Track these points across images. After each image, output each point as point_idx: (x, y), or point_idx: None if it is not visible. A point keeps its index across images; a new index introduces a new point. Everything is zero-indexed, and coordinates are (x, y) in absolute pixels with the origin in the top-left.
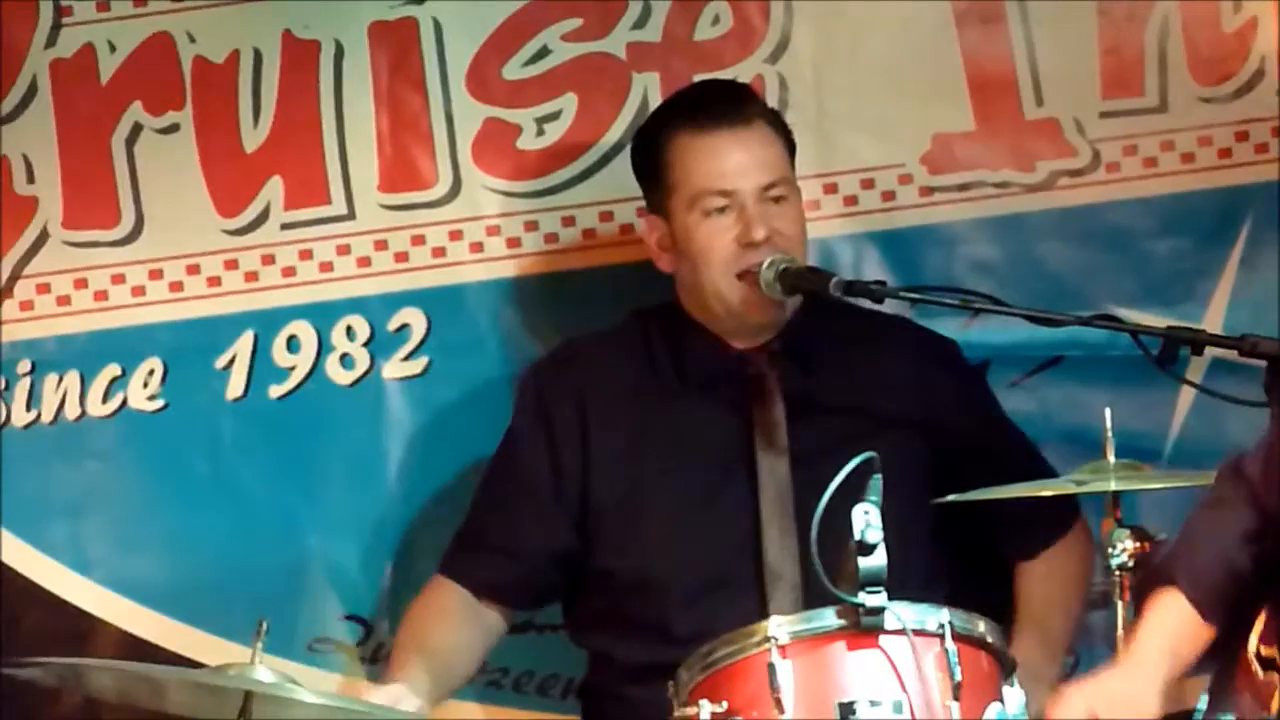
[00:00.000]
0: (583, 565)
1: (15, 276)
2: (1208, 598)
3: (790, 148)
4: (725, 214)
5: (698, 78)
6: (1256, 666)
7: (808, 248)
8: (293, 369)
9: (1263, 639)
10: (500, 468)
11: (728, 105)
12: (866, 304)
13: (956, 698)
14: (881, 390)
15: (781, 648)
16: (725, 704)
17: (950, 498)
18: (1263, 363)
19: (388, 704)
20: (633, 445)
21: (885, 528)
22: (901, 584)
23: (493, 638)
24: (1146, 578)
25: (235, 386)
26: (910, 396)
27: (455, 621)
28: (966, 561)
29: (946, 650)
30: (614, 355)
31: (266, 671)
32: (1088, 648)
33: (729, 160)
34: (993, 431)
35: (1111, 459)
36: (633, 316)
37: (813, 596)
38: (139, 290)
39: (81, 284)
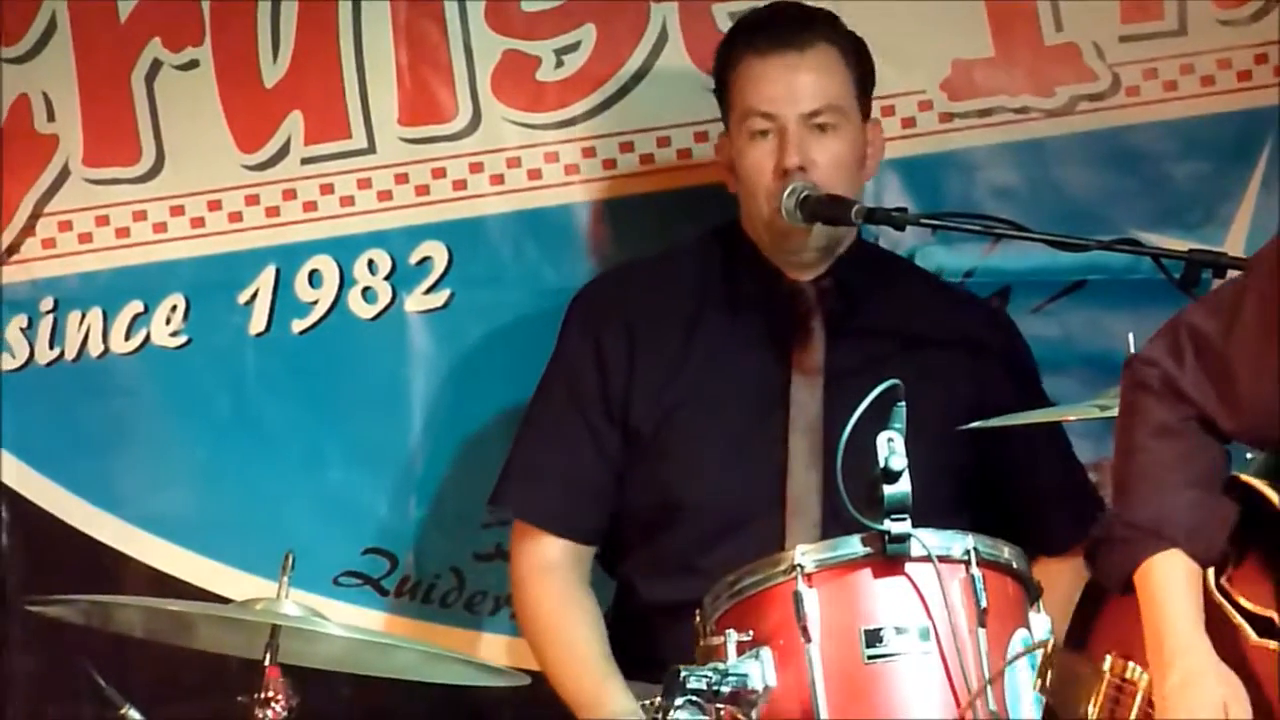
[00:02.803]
0: (620, 495)
1: (37, 214)
2: (1209, 551)
3: (862, 81)
4: (768, 138)
5: (716, 7)
6: (1242, 621)
7: (860, 179)
8: (315, 303)
9: (1245, 590)
10: (555, 394)
11: (787, 29)
12: (923, 244)
13: (982, 624)
14: (926, 337)
15: (807, 576)
16: (751, 633)
17: (975, 424)
18: None
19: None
20: (674, 371)
21: (914, 459)
22: (926, 515)
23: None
24: (1116, 533)
25: (258, 322)
26: (958, 351)
27: (590, 604)
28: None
29: (972, 576)
30: (666, 279)
31: (293, 606)
32: None
33: (776, 84)
34: (1031, 397)
35: None
36: (698, 238)
37: (834, 530)
38: (160, 227)
39: (103, 221)
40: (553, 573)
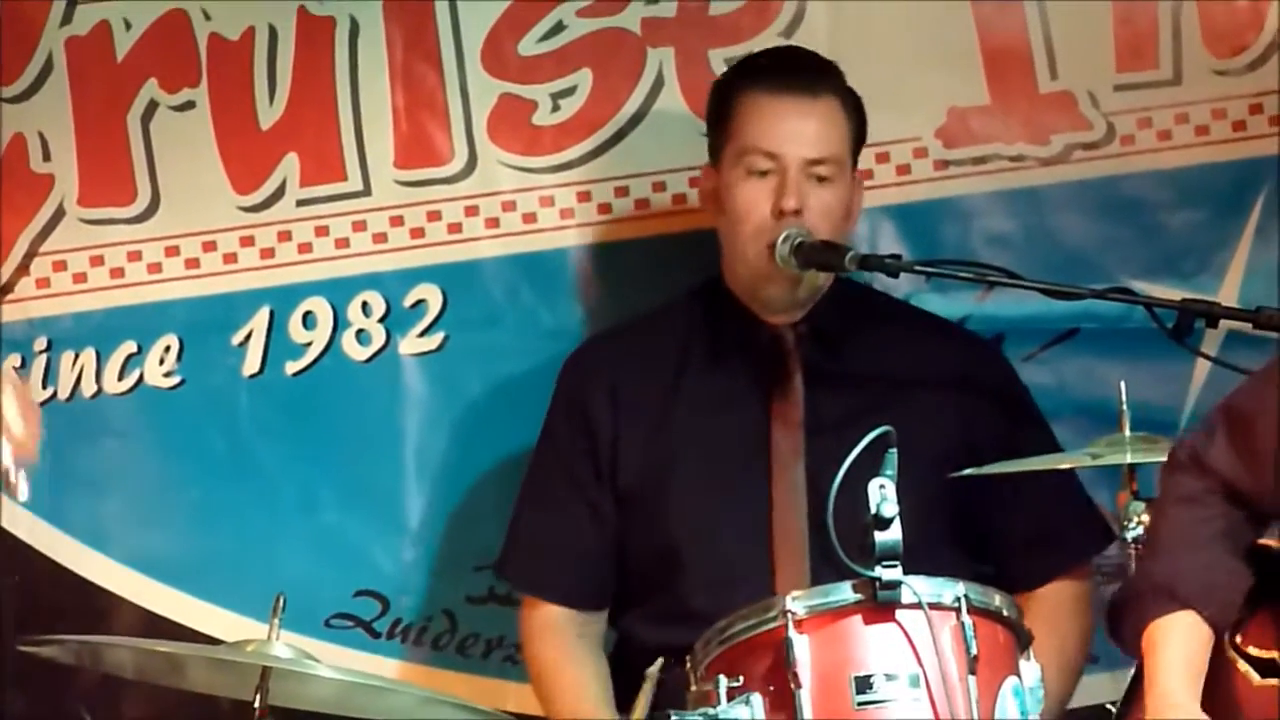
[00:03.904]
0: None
1: (32, 254)
2: (1223, 612)
3: (858, 136)
4: (767, 178)
5: (712, 53)
6: (1248, 667)
7: (845, 230)
8: (309, 345)
9: (1255, 639)
10: (546, 463)
11: (801, 74)
12: (916, 291)
13: (973, 671)
14: (911, 378)
15: (798, 622)
16: (741, 678)
17: (967, 472)
18: (1277, 335)
19: None
20: (660, 426)
21: (905, 504)
22: (919, 560)
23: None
24: (1132, 594)
25: (252, 363)
26: (943, 388)
27: (593, 656)
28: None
29: (963, 624)
30: (651, 337)
31: (284, 647)
32: None
33: (784, 125)
34: (1022, 425)
35: (1127, 432)
36: (688, 292)
37: (824, 575)
38: (155, 267)
39: (98, 261)
40: (558, 633)
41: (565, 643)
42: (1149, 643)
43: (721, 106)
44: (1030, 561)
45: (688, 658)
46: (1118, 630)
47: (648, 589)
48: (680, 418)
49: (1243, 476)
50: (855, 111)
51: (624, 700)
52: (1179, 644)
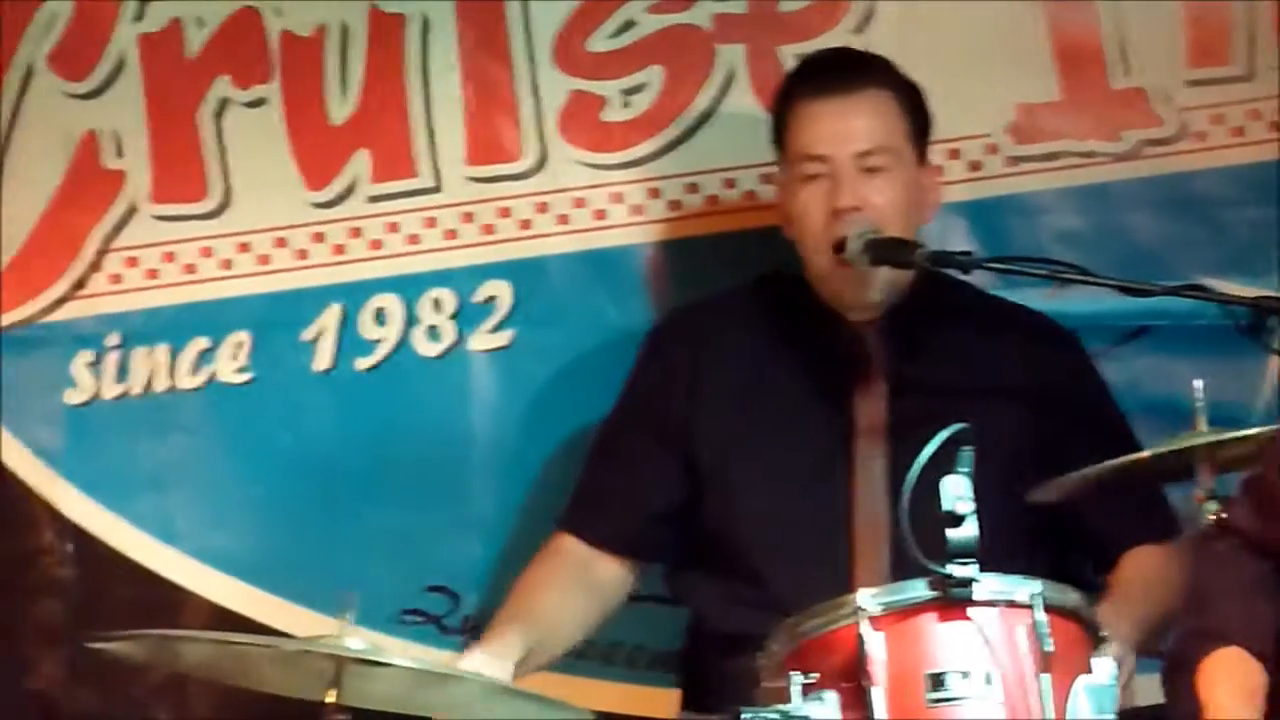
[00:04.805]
0: (690, 522)
1: (104, 250)
2: (1262, 644)
3: (917, 126)
4: (821, 181)
5: (782, 49)
6: None
7: (916, 222)
8: (379, 341)
9: None
10: (616, 417)
11: (840, 73)
12: (988, 288)
13: (1046, 669)
14: (989, 369)
15: (872, 619)
16: (815, 675)
17: (1046, 486)
18: None
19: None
20: (739, 407)
21: (983, 502)
22: (997, 559)
23: (609, 598)
24: (1182, 646)
25: (322, 359)
26: (1019, 377)
27: (562, 584)
28: (1062, 555)
29: (1037, 621)
30: (732, 316)
31: (357, 642)
32: None
33: (827, 126)
34: (1101, 422)
35: (1204, 429)
36: (757, 279)
37: (901, 572)
38: (227, 263)
39: (169, 257)
40: (555, 555)
41: (555, 564)
42: (1205, 678)
43: (777, 121)
44: (1109, 536)
45: (759, 654)
46: (1173, 682)
47: (721, 570)
48: (762, 406)
49: (1265, 529)
50: (909, 100)
51: (698, 693)
52: (1232, 672)
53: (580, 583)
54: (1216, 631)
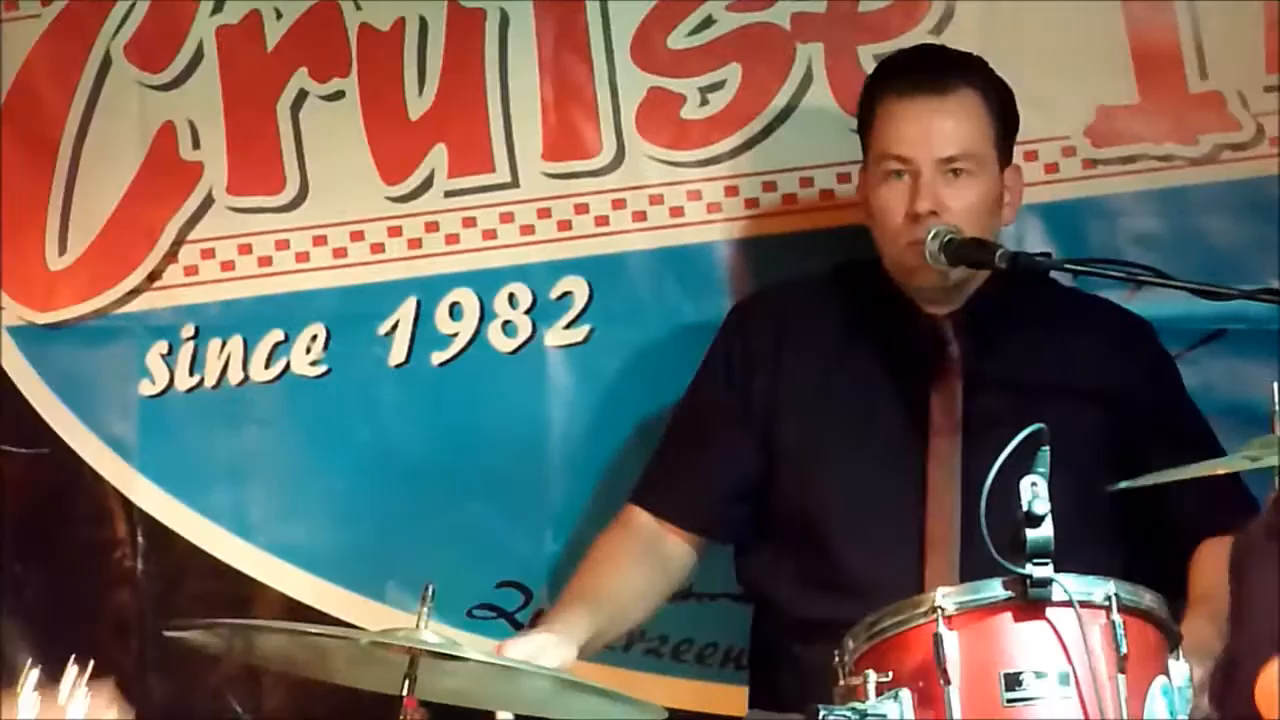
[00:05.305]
0: (762, 502)
1: (180, 241)
2: None
3: (1004, 127)
4: (902, 180)
5: (861, 49)
6: None
7: (996, 223)
8: (455, 336)
9: None
10: (694, 393)
11: (930, 72)
12: (1064, 280)
13: (1122, 670)
14: (1066, 366)
15: (948, 618)
16: (891, 674)
17: (1122, 485)
18: None
19: (526, 658)
20: (818, 392)
21: (1057, 502)
22: (1071, 558)
23: (674, 577)
24: (1234, 659)
25: (397, 353)
26: (1096, 374)
27: (630, 558)
28: (1141, 543)
29: (1113, 622)
30: (812, 300)
31: (433, 635)
32: None
33: (913, 128)
34: (1178, 418)
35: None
36: (834, 268)
37: (972, 567)
38: (303, 256)
39: (245, 249)
40: (624, 528)
41: (624, 537)
42: (1263, 688)
43: (863, 113)
44: (1201, 517)
45: (836, 652)
46: (1224, 699)
47: (792, 552)
48: (840, 391)
49: None
50: (999, 102)
51: (766, 685)
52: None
53: (648, 557)
54: (1270, 640)
